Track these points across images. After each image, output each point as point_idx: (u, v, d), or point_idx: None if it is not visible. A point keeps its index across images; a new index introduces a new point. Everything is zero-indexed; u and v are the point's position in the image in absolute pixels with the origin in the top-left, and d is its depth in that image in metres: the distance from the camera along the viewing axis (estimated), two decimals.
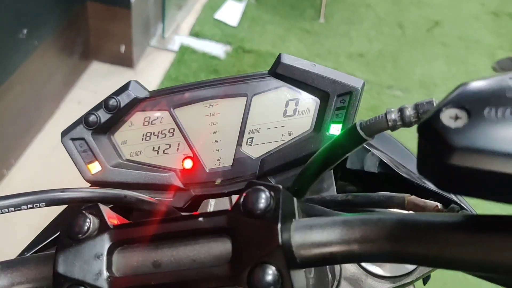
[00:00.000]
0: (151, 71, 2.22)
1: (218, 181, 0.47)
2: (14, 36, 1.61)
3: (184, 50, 2.37)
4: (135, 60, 2.18)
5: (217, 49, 2.43)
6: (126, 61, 2.15)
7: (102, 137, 0.48)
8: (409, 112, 0.32)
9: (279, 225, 0.28)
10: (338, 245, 0.28)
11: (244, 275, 0.27)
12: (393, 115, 0.32)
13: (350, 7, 2.90)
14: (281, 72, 0.46)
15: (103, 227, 0.31)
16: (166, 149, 0.48)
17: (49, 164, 1.77)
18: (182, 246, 0.30)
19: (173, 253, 0.30)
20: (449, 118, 0.22)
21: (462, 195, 0.23)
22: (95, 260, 0.30)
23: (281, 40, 2.54)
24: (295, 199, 0.32)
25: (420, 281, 0.65)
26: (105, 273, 0.29)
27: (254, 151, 0.47)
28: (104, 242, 0.30)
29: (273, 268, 0.27)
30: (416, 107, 0.32)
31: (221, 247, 0.29)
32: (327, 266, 0.38)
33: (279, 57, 0.46)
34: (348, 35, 2.68)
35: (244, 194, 0.29)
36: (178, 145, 0.48)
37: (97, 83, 2.10)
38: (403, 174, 0.46)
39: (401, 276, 0.39)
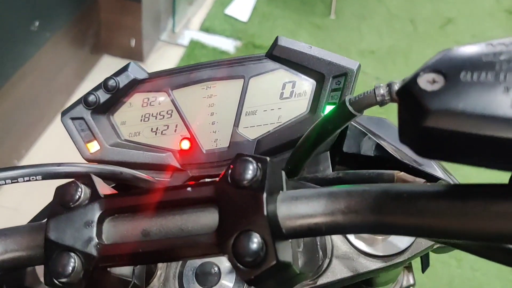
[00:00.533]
0: (160, 66, 2.24)
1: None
2: (26, 28, 1.63)
3: (194, 45, 2.38)
4: (145, 54, 2.19)
5: (227, 44, 2.44)
6: (136, 55, 2.17)
7: (101, 117, 0.49)
8: (397, 87, 0.32)
9: (264, 195, 0.28)
10: (323, 216, 0.28)
11: (229, 242, 0.28)
12: (382, 90, 0.32)
13: (361, 2, 2.88)
14: (277, 54, 0.46)
15: (94, 196, 0.32)
16: (164, 130, 0.49)
17: (59, 155, 1.80)
18: (171, 215, 0.30)
19: (162, 222, 0.30)
20: (426, 82, 0.22)
21: (440, 159, 0.23)
22: (86, 227, 0.30)
23: (291, 35, 2.54)
24: (283, 172, 0.32)
25: (419, 269, 0.65)
26: (95, 241, 0.30)
27: (251, 133, 0.47)
28: (95, 211, 0.31)
29: (258, 236, 0.27)
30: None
31: (208, 216, 0.30)
32: (318, 243, 0.38)
33: (276, 39, 0.47)
34: (359, 31, 2.66)
35: (231, 166, 0.30)
36: (176, 126, 0.49)
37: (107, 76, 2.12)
38: (399, 157, 0.46)
39: (393, 255, 0.39)
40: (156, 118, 0.49)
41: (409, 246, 0.39)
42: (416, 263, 0.68)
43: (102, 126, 0.48)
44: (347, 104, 0.34)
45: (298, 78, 0.46)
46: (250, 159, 0.30)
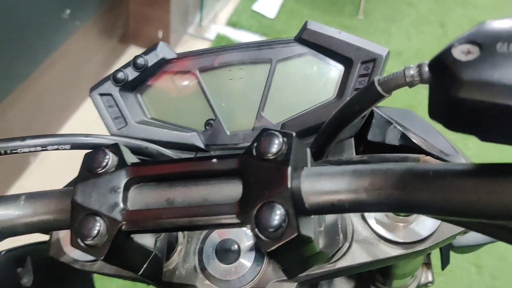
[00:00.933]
0: None
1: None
2: (57, 16, 1.66)
3: (220, 40, 2.39)
4: (172, 46, 2.21)
5: (253, 40, 2.44)
6: None
7: (129, 94, 0.50)
8: (427, 68, 0.31)
9: (289, 168, 0.28)
10: (347, 193, 0.28)
11: (252, 213, 0.28)
12: (412, 71, 0.31)
13: (391, 4, 2.85)
14: (306, 38, 0.46)
15: (121, 164, 0.32)
16: (189, 110, 0.49)
17: None
18: (195, 185, 0.31)
19: (186, 191, 0.31)
20: (461, 53, 0.21)
21: (472, 133, 0.22)
22: (112, 193, 0.31)
23: None
24: (308, 149, 0.32)
25: (439, 267, 0.64)
26: (120, 206, 0.30)
27: (275, 116, 0.47)
28: (121, 177, 0.31)
29: (281, 208, 0.27)
30: None
31: (232, 188, 0.30)
32: (339, 226, 0.38)
33: (305, 23, 0.47)
34: (387, 32, 2.63)
35: (257, 139, 0.30)
36: (201, 107, 0.49)
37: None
38: (424, 148, 0.45)
39: (413, 242, 0.38)
40: (182, 99, 0.49)
41: (431, 235, 0.38)
42: (436, 268, 0.67)
43: (129, 103, 0.49)
44: (376, 84, 0.33)
45: (326, 63, 0.46)
46: (276, 133, 0.30)
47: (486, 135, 0.22)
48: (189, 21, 2.37)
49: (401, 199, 0.27)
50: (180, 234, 0.42)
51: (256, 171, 0.29)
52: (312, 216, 0.30)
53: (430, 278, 0.63)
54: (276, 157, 0.29)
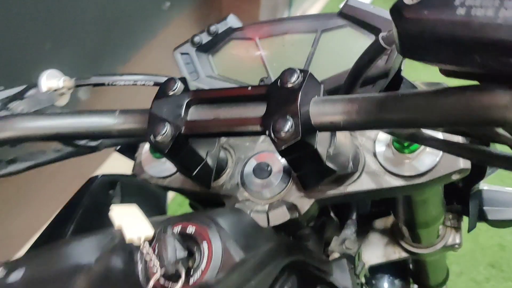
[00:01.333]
0: None
1: None
2: (158, 7, 1.88)
3: None
4: None
5: None
6: None
7: (203, 54, 0.62)
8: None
9: (300, 92, 0.39)
10: (342, 114, 0.38)
11: (270, 123, 0.38)
12: None
13: None
14: (346, 12, 0.56)
15: (185, 90, 0.44)
16: (247, 69, 0.61)
17: None
18: (235, 106, 0.42)
19: (228, 110, 0.42)
20: (411, 0, 0.31)
21: (415, 59, 0.31)
22: (177, 108, 0.43)
23: None
24: (322, 85, 0.42)
25: (465, 230, 0.70)
26: (182, 117, 0.43)
27: (317, 76, 0.57)
28: (185, 98, 0.44)
29: (291, 120, 0.38)
30: None
31: (260, 108, 0.41)
32: (350, 157, 0.47)
33: (347, 0, 0.56)
34: None
35: (281, 74, 0.41)
36: (257, 67, 0.60)
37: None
38: None
39: (414, 176, 0.46)
40: (243, 59, 0.61)
41: (429, 171, 0.46)
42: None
43: (202, 61, 0.62)
44: (380, 38, 0.42)
45: (360, 33, 0.55)
46: (296, 69, 0.40)
47: (425, 58, 0.31)
48: (277, 16, 2.51)
49: (378, 117, 0.36)
50: (229, 159, 0.54)
51: (277, 95, 0.40)
52: (319, 132, 0.40)
53: (457, 241, 0.69)
54: (293, 86, 0.39)
